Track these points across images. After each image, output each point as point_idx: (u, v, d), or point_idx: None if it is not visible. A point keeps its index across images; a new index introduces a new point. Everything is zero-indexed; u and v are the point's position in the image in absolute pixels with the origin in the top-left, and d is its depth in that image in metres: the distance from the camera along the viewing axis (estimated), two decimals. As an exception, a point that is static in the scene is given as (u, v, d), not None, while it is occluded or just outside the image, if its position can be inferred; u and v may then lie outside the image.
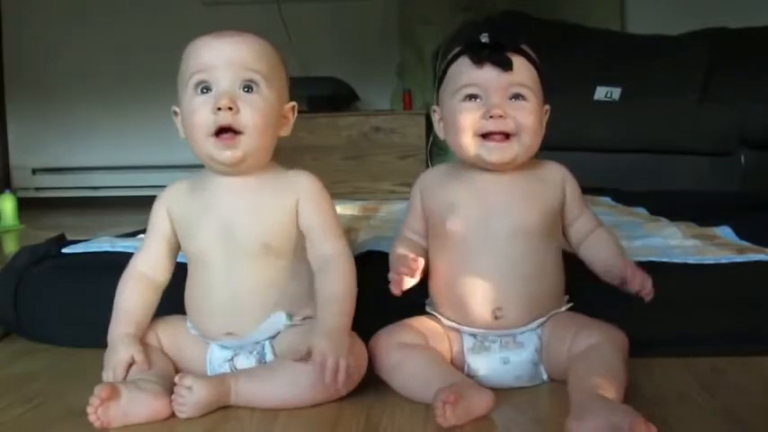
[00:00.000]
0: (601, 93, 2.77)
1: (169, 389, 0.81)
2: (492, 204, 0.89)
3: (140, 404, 0.78)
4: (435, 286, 0.92)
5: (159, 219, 0.92)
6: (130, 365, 0.84)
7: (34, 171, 3.89)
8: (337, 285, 0.86)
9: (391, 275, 0.86)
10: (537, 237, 0.88)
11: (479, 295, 0.87)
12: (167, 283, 0.93)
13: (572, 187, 0.93)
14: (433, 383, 0.78)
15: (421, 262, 0.87)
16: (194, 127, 0.85)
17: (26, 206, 3.12)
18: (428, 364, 0.83)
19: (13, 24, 3.89)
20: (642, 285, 0.85)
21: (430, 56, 3.07)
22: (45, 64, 3.83)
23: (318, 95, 3.17)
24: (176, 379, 0.79)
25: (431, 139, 3.10)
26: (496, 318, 0.87)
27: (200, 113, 0.84)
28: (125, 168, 3.79)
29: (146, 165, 3.71)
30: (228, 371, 0.87)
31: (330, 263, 0.87)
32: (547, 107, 0.92)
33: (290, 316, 0.87)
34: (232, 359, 0.88)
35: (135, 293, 0.90)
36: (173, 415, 0.79)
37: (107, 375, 0.84)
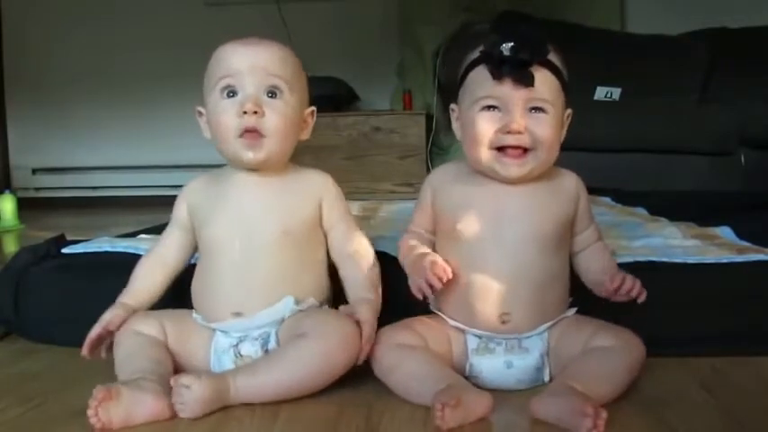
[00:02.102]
0: (601, 93, 2.77)
1: (170, 388, 0.81)
2: (507, 210, 0.88)
3: (142, 405, 0.78)
4: (443, 289, 0.90)
5: (179, 211, 0.98)
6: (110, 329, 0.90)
7: (34, 171, 3.89)
8: (370, 270, 0.93)
9: (419, 282, 0.84)
10: (549, 245, 0.88)
11: (487, 299, 0.87)
12: (180, 269, 0.97)
13: (584, 200, 0.93)
14: (430, 385, 0.78)
15: (450, 273, 0.85)
16: (221, 128, 0.90)
17: (26, 206, 3.12)
18: (425, 366, 0.83)
19: (13, 24, 3.89)
20: (631, 288, 0.85)
21: (430, 56, 3.07)
22: (45, 64, 3.83)
23: (318, 95, 3.16)
24: (171, 381, 0.79)
25: (431, 139, 3.11)
26: (503, 322, 0.87)
27: (227, 116, 0.89)
28: (125, 168, 3.78)
29: (146, 165, 3.71)
30: (233, 357, 0.88)
31: (359, 252, 0.95)
32: (569, 111, 0.91)
33: (296, 302, 0.89)
34: (237, 345, 0.89)
35: (142, 269, 0.97)
36: (175, 415, 0.79)
37: (93, 331, 0.89)
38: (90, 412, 0.75)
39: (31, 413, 0.83)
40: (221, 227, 0.91)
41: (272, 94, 0.89)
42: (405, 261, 0.92)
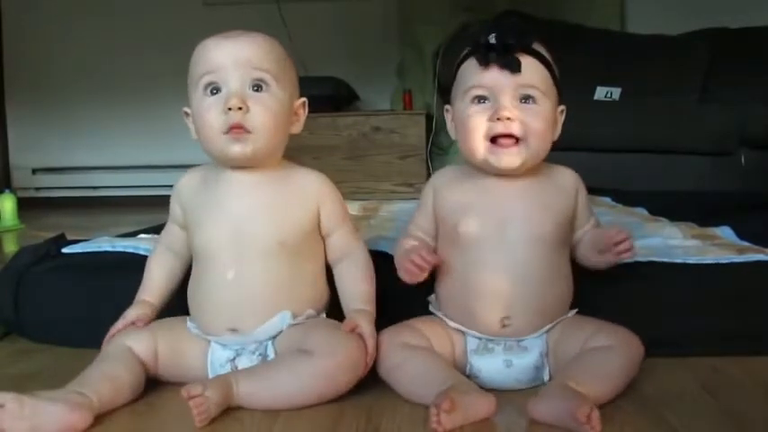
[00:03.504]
0: (601, 93, 2.77)
1: (109, 401, 0.79)
2: (508, 211, 0.88)
3: (51, 416, 0.73)
4: (443, 288, 0.91)
5: (174, 211, 0.96)
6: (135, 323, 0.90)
7: (34, 171, 3.88)
8: (367, 276, 0.93)
9: (404, 264, 0.86)
10: (551, 245, 0.88)
11: (488, 303, 0.86)
12: (190, 258, 0.95)
13: (582, 195, 0.93)
14: (433, 386, 0.78)
15: (435, 257, 0.86)
16: (205, 127, 0.86)
17: (26, 206, 3.12)
18: (429, 366, 0.83)
19: (13, 24, 3.89)
20: (628, 247, 0.85)
21: (430, 56, 3.07)
22: (45, 64, 3.83)
23: (318, 95, 3.17)
24: (183, 392, 0.76)
25: (431, 139, 3.11)
26: (504, 326, 0.86)
27: (211, 114, 0.85)
28: (125, 168, 3.78)
29: (145, 165, 3.71)
30: (230, 371, 0.86)
31: (352, 254, 0.93)
32: (562, 107, 0.91)
33: (293, 316, 0.88)
34: (234, 359, 0.87)
35: (154, 265, 0.96)
36: (92, 426, 0.76)
37: (114, 327, 0.90)
38: None
39: (31, 413, 0.83)
40: (213, 235, 0.88)
41: (258, 87, 0.86)
42: (395, 255, 0.92)
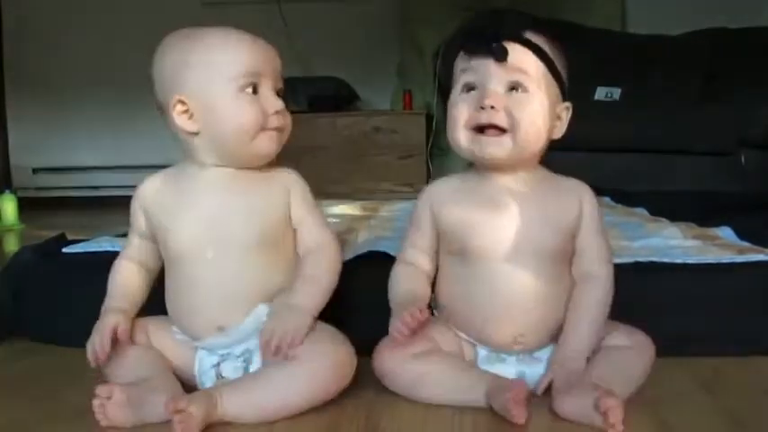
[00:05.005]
0: (601, 93, 2.77)
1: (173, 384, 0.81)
2: (516, 227, 0.83)
3: (155, 406, 0.77)
4: (446, 300, 0.88)
5: (137, 220, 0.93)
6: (116, 334, 0.84)
7: (35, 171, 3.89)
8: (320, 269, 0.89)
9: (395, 326, 0.81)
10: (560, 260, 0.85)
11: (501, 321, 0.84)
12: (157, 271, 0.93)
13: (588, 216, 0.86)
14: (464, 388, 0.79)
15: (425, 315, 0.81)
16: (242, 126, 0.86)
17: (26, 206, 3.12)
18: (452, 371, 0.82)
19: (13, 24, 3.89)
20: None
21: (430, 56, 3.07)
22: (45, 63, 3.83)
23: (319, 95, 3.17)
24: (167, 406, 0.74)
25: (431, 139, 3.11)
26: (517, 343, 0.85)
27: (251, 115, 0.86)
28: (125, 168, 3.78)
29: (146, 165, 3.70)
30: (214, 378, 0.86)
31: (321, 248, 0.91)
32: (567, 104, 0.87)
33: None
34: (218, 365, 0.86)
35: (123, 275, 0.92)
36: None
37: (92, 340, 0.84)
38: (97, 410, 0.75)
39: (34, 412, 0.83)
40: (190, 234, 0.86)
41: (277, 94, 0.89)
42: (391, 304, 0.88)
